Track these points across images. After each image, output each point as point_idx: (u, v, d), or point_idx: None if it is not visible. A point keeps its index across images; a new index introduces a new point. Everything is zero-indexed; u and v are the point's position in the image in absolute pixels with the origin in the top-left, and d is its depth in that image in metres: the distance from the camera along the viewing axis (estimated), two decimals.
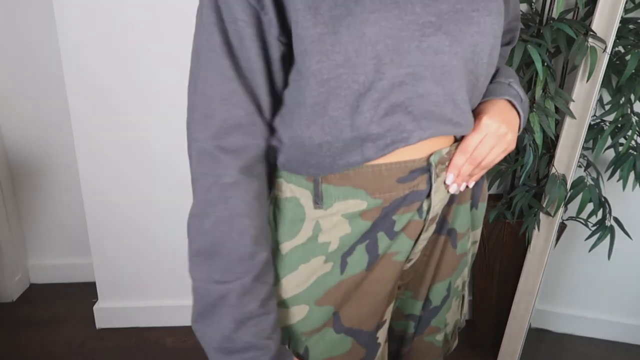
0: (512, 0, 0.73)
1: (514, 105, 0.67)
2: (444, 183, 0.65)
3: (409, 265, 0.70)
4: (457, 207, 0.70)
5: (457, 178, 0.64)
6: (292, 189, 0.64)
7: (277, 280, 0.65)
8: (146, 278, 1.79)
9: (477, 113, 0.65)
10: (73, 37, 1.52)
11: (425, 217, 0.65)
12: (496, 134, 0.62)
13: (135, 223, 1.72)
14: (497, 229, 1.56)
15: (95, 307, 1.81)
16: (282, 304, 0.66)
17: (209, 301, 0.59)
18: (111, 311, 1.81)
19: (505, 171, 1.56)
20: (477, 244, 0.78)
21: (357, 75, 0.55)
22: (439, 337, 0.76)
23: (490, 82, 0.69)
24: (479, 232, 0.77)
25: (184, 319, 1.83)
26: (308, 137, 0.59)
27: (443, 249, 0.71)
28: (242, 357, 0.58)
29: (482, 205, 0.75)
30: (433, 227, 0.69)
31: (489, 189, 1.62)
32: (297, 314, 0.66)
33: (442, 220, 0.70)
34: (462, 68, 0.58)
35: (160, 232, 1.74)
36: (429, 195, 0.64)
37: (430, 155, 0.62)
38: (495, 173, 1.58)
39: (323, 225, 0.63)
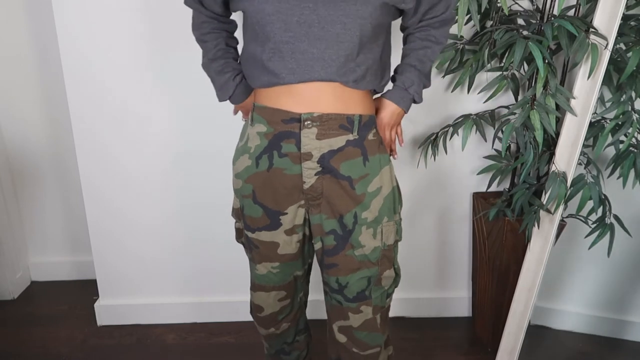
0: None
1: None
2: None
3: (306, 186, 1.04)
4: (345, 162, 1.02)
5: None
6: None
7: (233, 164, 1.13)
8: (147, 275, 1.79)
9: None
10: (73, 37, 1.52)
11: (300, 151, 1.02)
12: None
13: (135, 221, 1.73)
14: (497, 227, 1.56)
15: (96, 305, 1.82)
16: (234, 177, 1.12)
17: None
18: (112, 308, 1.81)
19: (506, 169, 1.56)
20: (386, 187, 1.06)
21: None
22: (357, 252, 1.06)
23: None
24: (379, 179, 1.05)
25: (185, 316, 1.84)
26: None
27: (342, 189, 1.04)
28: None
29: (374, 158, 1.04)
30: (312, 163, 1.01)
31: (489, 186, 1.62)
32: (237, 184, 1.12)
33: (334, 170, 1.02)
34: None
35: (161, 230, 1.74)
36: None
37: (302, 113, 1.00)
38: (495, 170, 1.58)
39: (250, 136, 1.08)
